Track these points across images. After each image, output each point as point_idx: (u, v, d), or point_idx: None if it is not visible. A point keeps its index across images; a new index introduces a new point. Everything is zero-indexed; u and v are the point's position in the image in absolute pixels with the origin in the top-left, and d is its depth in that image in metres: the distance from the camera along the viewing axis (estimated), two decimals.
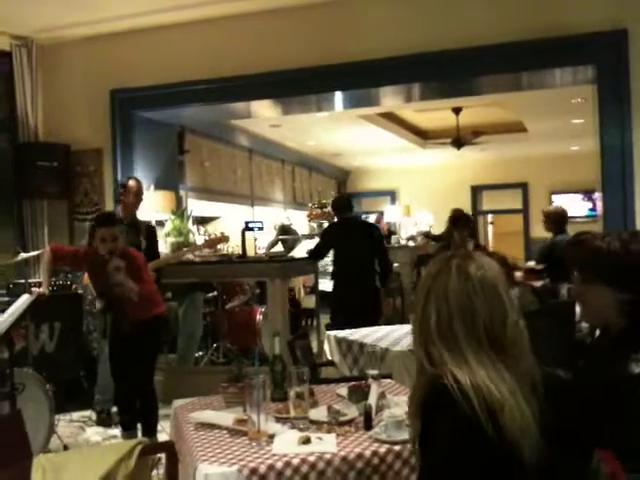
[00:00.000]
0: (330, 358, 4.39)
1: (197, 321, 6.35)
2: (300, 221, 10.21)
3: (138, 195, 5.09)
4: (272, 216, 9.73)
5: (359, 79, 5.70)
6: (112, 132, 6.29)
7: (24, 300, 3.63)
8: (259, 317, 6.88)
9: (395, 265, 8.88)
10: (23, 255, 5.07)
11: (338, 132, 9.71)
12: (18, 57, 6.13)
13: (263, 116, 7.47)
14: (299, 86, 5.90)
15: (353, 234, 5.98)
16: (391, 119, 9.62)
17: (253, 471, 1.92)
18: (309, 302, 8.55)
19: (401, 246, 9.41)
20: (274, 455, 2.02)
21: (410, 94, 6.55)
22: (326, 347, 4.52)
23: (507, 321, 1.49)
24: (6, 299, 4.70)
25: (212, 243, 5.83)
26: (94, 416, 5.10)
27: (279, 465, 1.95)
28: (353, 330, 4.49)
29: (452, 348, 1.47)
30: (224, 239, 5.85)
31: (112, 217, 4.30)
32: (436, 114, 9.55)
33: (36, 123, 6.17)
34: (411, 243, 9.60)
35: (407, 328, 4.38)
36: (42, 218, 6.06)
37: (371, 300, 5.78)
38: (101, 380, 5.11)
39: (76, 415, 5.18)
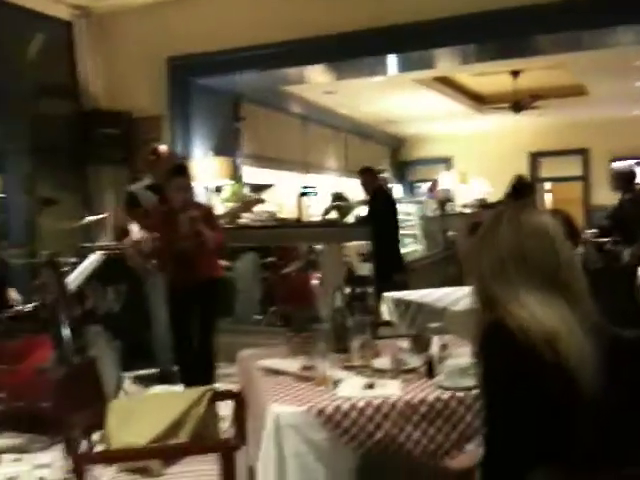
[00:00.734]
0: (387, 319, 4.43)
1: (253, 281, 6.45)
2: (353, 189, 10.20)
3: (169, 162, 5.12)
4: (325, 183, 9.76)
5: (413, 41, 5.63)
6: (170, 100, 6.39)
7: (93, 259, 3.77)
8: (314, 282, 6.96)
9: (450, 233, 8.84)
10: (89, 219, 5.24)
11: (393, 97, 9.60)
12: (78, 26, 6.27)
13: (316, 81, 7.45)
14: (352, 49, 5.86)
15: None
16: (447, 83, 9.46)
17: (320, 411, 1.98)
18: (364, 269, 8.58)
19: (456, 214, 9.34)
20: (340, 398, 2.08)
21: (466, 56, 6.43)
22: (383, 308, 4.56)
23: (560, 262, 1.53)
24: (75, 260, 4.86)
25: (248, 205, 5.93)
26: (157, 374, 5.27)
27: (345, 407, 2.01)
28: (410, 292, 4.52)
29: (507, 289, 1.52)
30: (259, 201, 5.94)
31: (186, 167, 4.40)
32: (493, 78, 9.34)
33: (98, 91, 6.32)
34: (466, 210, 9.50)
35: (465, 290, 4.38)
36: (105, 183, 6.24)
37: None
38: (161, 339, 5.27)
39: (140, 373, 5.37)
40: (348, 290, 6.19)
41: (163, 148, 5.19)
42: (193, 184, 4.28)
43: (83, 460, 2.02)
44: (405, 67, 6.85)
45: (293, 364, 2.41)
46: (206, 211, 4.25)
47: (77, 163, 6.20)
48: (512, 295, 1.50)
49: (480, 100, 10.92)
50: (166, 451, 2.18)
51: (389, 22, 5.47)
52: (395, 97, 9.57)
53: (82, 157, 6.17)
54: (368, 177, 6.72)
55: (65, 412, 2.22)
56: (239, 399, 2.54)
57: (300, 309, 6.81)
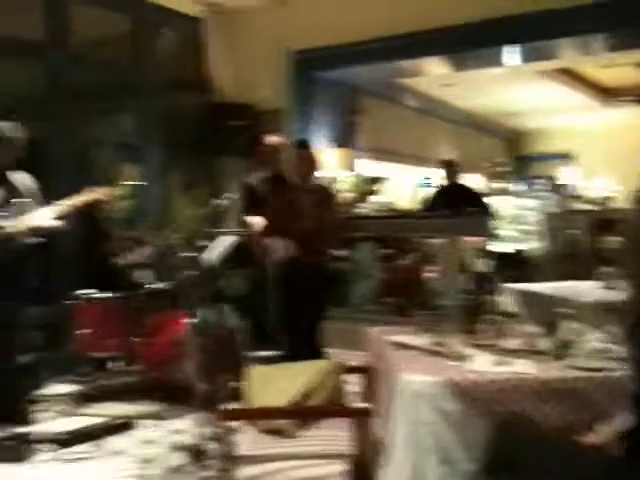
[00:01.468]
0: (510, 310, 4.39)
1: (369, 271, 6.53)
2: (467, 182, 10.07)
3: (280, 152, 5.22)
4: (440, 177, 9.69)
5: (534, 31, 5.50)
6: (292, 92, 6.59)
7: (226, 241, 3.99)
8: (429, 275, 6.97)
9: (571, 231, 8.55)
10: (216, 205, 5.50)
11: (512, 90, 9.41)
12: (207, 22, 6.59)
13: (434, 73, 7.44)
14: (471, 41, 5.81)
15: None
16: (569, 75, 9.15)
17: (453, 382, 2.04)
18: (481, 265, 8.46)
19: (578, 211, 9.02)
20: (472, 371, 2.13)
21: (590, 47, 6.21)
22: (505, 300, 4.52)
23: None
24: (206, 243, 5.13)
25: (363, 195, 5.95)
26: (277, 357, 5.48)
27: (477, 379, 2.07)
28: (532, 284, 4.47)
29: None
30: (374, 191, 5.90)
31: (309, 143, 4.44)
32: (619, 70, 8.93)
33: (225, 84, 6.62)
34: (589, 208, 9.15)
35: (589, 284, 4.30)
36: (232, 173, 6.53)
37: None
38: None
39: (261, 354, 5.60)
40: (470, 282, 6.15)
41: (275, 139, 5.30)
42: (316, 164, 4.28)
43: (228, 416, 2.19)
44: (526, 58, 6.71)
45: (423, 340, 2.48)
46: (325, 191, 4.20)
47: (206, 153, 6.53)
48: None
49: (605, 93, 10.45)
50: (305, 412, 2.32)
51: (509, 12, 5.38)
52: (515, 89, 9.36)
53: (210, 148, 6.48)
54: (449, 170, 6.59)
55: (210, 374, 2.41)
56: (368, 373, 2.64)
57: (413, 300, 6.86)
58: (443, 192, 6.87)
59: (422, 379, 2.06)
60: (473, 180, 9.97)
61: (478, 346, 2.44)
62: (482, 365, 2.17)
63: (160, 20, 6.25)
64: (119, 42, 6.12)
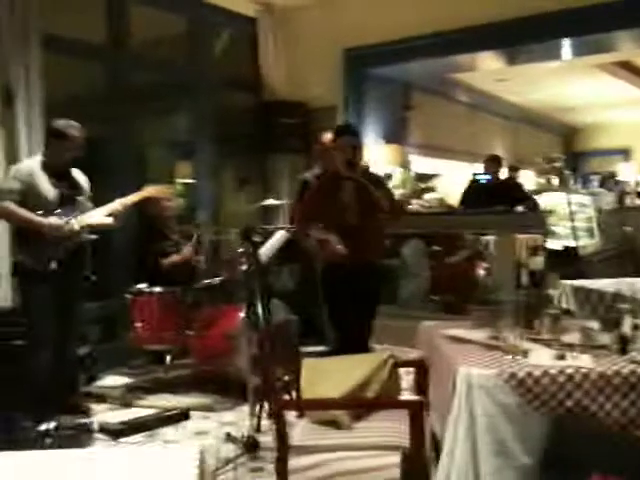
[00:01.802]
0: (565, 306, 4.31)
1: (419, 268, 6.49)
2: (521, 179, 9.91)
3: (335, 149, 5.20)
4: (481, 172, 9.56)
5: (590, 23, 5.35)
6: (344, 90, 6.59)
7: (280, 236, 4.03)
8: (481, 272, 6.88)
9: (628, 228, 8.32)
10: (268, 202, 5.56)
11: (568, 84, 9.21)
12: (261, 22, 6.66)
13: (487, 68, 7.35)
14: (525, 34, 5.69)
15: None
16: (628, 68, 8.89)
17: (512, 375, 2.02)
18: (535, 263, 8.31)
19: (636, 207, 8.78)
20: (531, 365, 2.10)
21: None
22: (560, 296, 4.43)
23: None
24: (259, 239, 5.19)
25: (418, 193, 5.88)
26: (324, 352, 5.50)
27: (537, 373, 2.04)
28: (589, 280, 4.36)
29: None
30: (429, 189, 5.84)
31: (353, 127, 4.25)
32: None
33: (278, 83, 6.67)
34: None
35: None
36: (283, 171, 6.58)
37: None
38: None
39: (309, 350, 5.63)
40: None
41: (328, 137, 5.32)
42: (362, 151, 3.99)
43: (283, 405, 2.21)
44: (582, 51, 6.57)
45: (479, 334, 2.46)
46: (373, 176, 3.93)
47: (258, 151, 6.59)
48: None
49: None
50: (362, 403, 2.32)
51: (565, 4, 5.26)
52: (571, 83, 9.16)
53: (262, 146, 6.54)
54: (490, 165, 6.47)
55: (264, 367, 2.44)
56: (421, 366, 2.62)
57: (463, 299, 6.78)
58: (484, 188, 6.77)
59: (481, 372, 2.04)
60: (526, 176, 9.83)
61: (536, 341, 2.40)
62: (541, 359, 2.14)
63: (216, 20, 6.34)
64: (176, 42, 6.24)
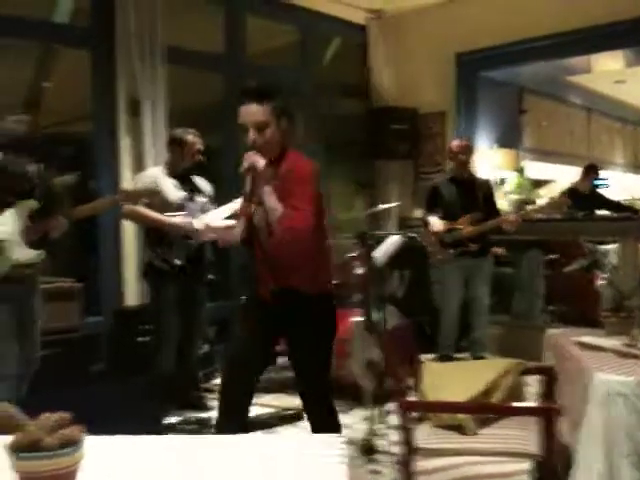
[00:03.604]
0: None
1: (534, 278, 6.30)
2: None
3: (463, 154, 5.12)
4: (611, 179, 9.12)
5: None
6: (456, 94, 6.51)
7: (395, 240, 4.03)
8: (600, 283, 6.56)
9: None
10: (378, 208, 5.57)
11: None
12: (371, 29, 6.70)
13: (604, 70, 7.05)
14: None
15: None
16: None
17: None
18: None
19: None
20: None
21: None
22: None
23: None
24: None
25: (555, 205, 5.68)
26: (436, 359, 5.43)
27: None
28: None
29: None
30: (564, 201, 5.66)
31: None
32: None
33: (388, 88, 6.69)
34: None
35: None
36: (392, 176, 6.57)
37: None
38: (444, 327, 5.40)
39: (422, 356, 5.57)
40: None
41: (455, 143, 5.26)
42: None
43: (410, 406, 2.20)
44: None
45: (611, 341, 2.35)
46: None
47: (367, 157, 6.63)
48: None
49: None
50: (491, 408, 2.28)
51: None
52: None
53: (372, 151, 6.57)
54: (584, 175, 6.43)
55: (383, 370, 2.44)
56: (551, 374, 2.54)
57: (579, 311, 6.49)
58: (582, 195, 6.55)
59: (617, 378, 1.96)
60: None
61: None
62: None
63: (327, 28, 6.45)
64: (288, 50, 6.39)
